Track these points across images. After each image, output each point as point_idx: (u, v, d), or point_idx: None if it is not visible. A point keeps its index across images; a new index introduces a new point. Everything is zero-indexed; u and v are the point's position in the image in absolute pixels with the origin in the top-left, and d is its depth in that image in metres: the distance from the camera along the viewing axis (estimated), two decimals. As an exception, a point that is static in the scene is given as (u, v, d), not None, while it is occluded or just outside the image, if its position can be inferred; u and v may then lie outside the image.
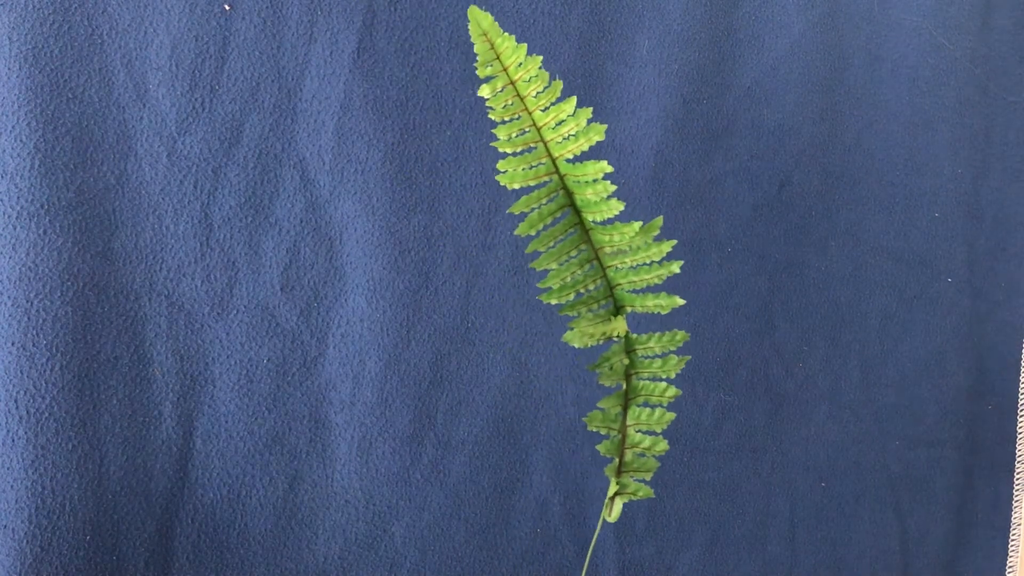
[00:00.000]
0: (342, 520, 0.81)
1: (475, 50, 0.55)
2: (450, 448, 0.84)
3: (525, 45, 0.54)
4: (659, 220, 0.60)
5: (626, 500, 0.65)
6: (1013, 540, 1.09)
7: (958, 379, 1.05)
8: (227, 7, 0.77)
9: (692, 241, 0.93)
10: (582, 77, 0.88)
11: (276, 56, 0.78)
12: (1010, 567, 1.08)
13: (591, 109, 0.56)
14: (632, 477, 0.65)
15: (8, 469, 0.70)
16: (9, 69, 0.70)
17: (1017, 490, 1.09)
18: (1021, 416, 1.09)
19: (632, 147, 0.90)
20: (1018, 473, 1.09)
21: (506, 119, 0.56)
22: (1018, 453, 1.09)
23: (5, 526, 0.69)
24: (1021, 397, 1.09)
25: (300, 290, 0.79)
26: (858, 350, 1.00)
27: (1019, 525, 1.09)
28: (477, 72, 0.55)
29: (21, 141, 0.70)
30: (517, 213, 0.58)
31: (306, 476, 0.79)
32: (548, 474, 0.87)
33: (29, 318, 0.70)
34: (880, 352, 1.01)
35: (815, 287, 0.99)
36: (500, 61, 0.54)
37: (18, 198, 0.70)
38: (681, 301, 0.61)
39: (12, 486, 0.70)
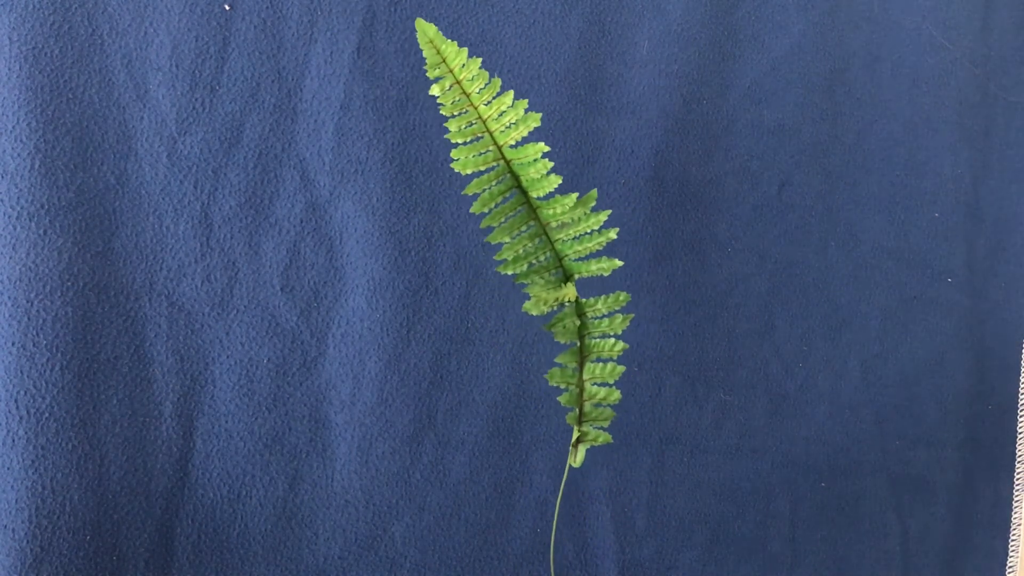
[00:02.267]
0: (342, 520, 0.81)
1: (424, 55, 0.63)
2: (450, 448, 0.84)
3: (466, 49, 0.63)
4: (594, 192, 0.68)
5: (588, 446, 0.74)
6: (1013, 540, 1.09)
7: (958, 379, 1.05)
8: (227, 7, 0.77)
9: (692, 241, 0.93)
10: (582, 77, 0.88)
11: (276, 56, 0.78)
12: (1010, 567, 1.08)
13: (527, 101, 0.65)
14: (592, 425, 0.74)
15: (8, 469, 0.70)
16: (9, 69, 0.70)
17: (1017, 490, 1.09)
18: (1021, 416, 1.09)
19: (632, 147, 0.90)
20: (1018, 473, 1.09)
21: (455, 113, 0.64)
22: (1018, 453, 1.09)
23: (5, 526, 0.70)
24: (1021, 397, 1.09)
25: (300, 290, 0.79)
26: (858, 350, 1.00)
27: (1019, 525, 1.09)
28: (427, 74, 0.63)
29: (21, 141, 0.70)
30: (471, 194, 0.68)
31: (306, 476, 0.80)
32: (548, 474, 0.87)
33: (29, 318, 0.70)
34: (880, 352, 1.01)
35: (815, 287, 0.99)
36: (446, 64, 0.63)
37: (18, 198, 0.70)
38: (619, 263, 0.69)
39: (12, 486, 0.70)
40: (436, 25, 0.83)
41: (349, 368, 0.81)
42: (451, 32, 0.84)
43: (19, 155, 0.70)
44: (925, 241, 1.04)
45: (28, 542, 0.70)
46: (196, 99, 0.76)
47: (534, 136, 0.86)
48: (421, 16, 0.83)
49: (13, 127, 0.70)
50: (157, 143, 0.75)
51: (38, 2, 0.71)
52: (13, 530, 0.70)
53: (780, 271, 0.97)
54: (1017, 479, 1.09)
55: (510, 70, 0.86)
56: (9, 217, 0.70)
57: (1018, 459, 1.09)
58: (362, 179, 0.81)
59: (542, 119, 0.87)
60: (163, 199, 0.75)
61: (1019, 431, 1.09)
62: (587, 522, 0.89)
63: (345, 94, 0.80)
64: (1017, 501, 1.09)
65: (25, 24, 0.71)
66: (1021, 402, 1.09)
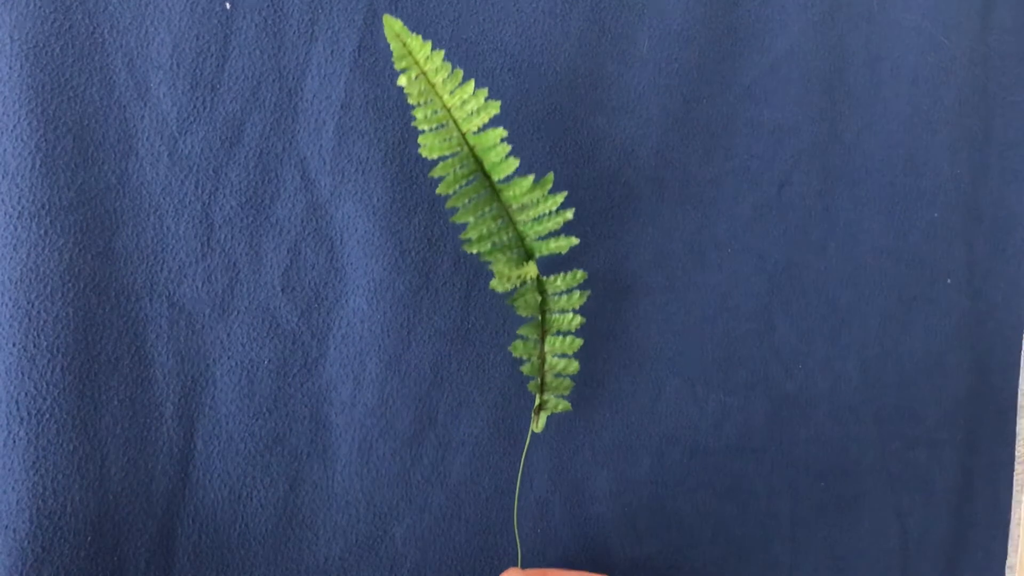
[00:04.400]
0: (343, 521, 0.80)
1: (391, 48, 0.69)
2: (451, 449, 0.84)
3: (430, 42, 0.69)
4: (551, 175, 0.74)
5: (548, 413, 0.82)
6: (1013, 540, 1.09)
7: (958, 379, 1.05)
8: (228, 6, 0.77)
9: (692, 241, 0.93)
10: (582, 77, 0.88)
11: (277, 55, 0.78)
12: (1010, 567, 1.09)
13: (487, 90, 0.71)
14: (553, 394, 0.81)
15: (9, 470, 0.69)
16: (10, 68, 0.70)
17: (1017, 490, 1.09)
18: (1021, 416, 1.10)
19: (632, 147, 0.90)
20: (1018, 473, 1.09)
21: (421, 102, 0.70)
22: (1018, 453, 1.09)
23: (6, 527, 0.69)
24: (1021, 397, 1.09)
25: (301, 291, 0.79)
26: (858, 350, 1.00)
27: (1019, 525, 1.09)
28: (394, 66, 0.69)
29: (22, 141, 0.70)
30: (436, 177, 0.73)
31: (307, 477, 0.79)
32: (548, 474, 0.87)
33: (30, 319, 0.70)
34: (880, 352, 1.02)
35: (815, 287, 0.99)
36: (412, 56, 0.69)
37: (19, 198, 0.70)
38: (575, 241, 0.76)
39: (13, 487, 0.70)
40: (436, 24, 0.83)
41: (350, 369, 0.81)
42: (451, 31, 0.84)
43: (19, 155, 0.70)
44: (924, 241, 1.04)
45: (29, 542, 0.70)
46: (197, 98, 0.76)
47: (533, 132, 0.87)
48: (422, 16, 0.82)
49: (13, 127, 0.70)
50: (158, 142, 0.75)
51: (38, 2, 0.71)
52: (14, 530, 0.69)
53: (780, 271, 0.97)
54: (1017, 479, 1.09)
55: (510, 69, 0.86)
56: (9, 217, 0.70)
57: (1018, 459, 1.09)
58: (363, 179, 0.80)
59: (543, 119, 0.87)
60: (164, 199, 0.75)
61: (1019, 431, 1.09)
62: (587, 522, 0.89)
63: (346, 93, 0.80)
64: (1017, 501, 1.09)
65: (25, 23, 0.70)
66: (1021, 402, 1.09)
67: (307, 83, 0.79)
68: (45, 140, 0.71)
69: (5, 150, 0.70)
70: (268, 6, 0.78)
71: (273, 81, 0.78)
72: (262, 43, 0.78)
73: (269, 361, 0.78)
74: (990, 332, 1.07)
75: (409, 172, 0.82)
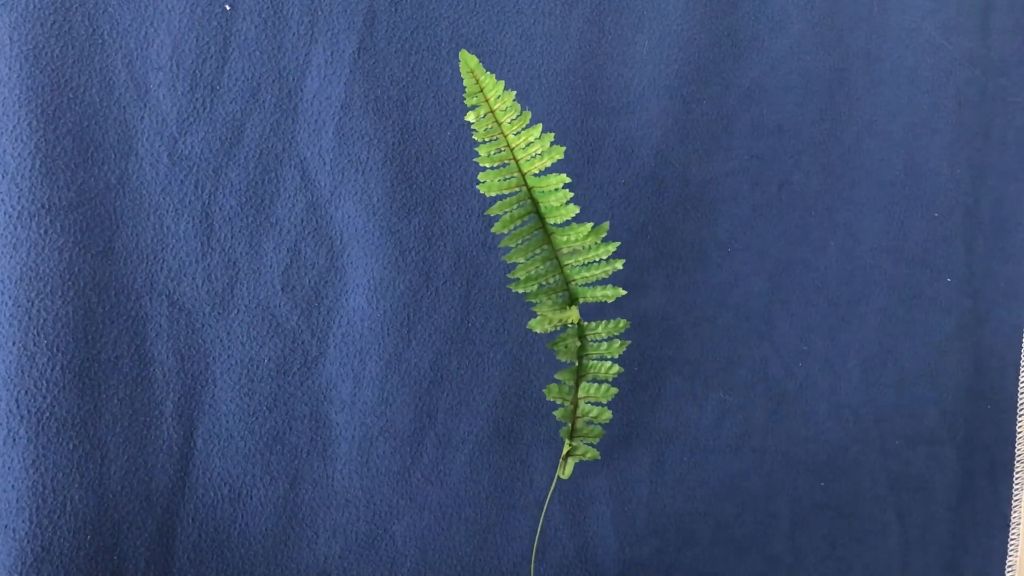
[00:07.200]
0: (342, 519, 0.81)
1: (464, 83, 0.69)
2: (450, 447, 0.84)
3: (503, 81, 0.69)
4: (606, 224, 0.74)
5: (577, 460, 0.80)
6: (1013, 540, 1.09)
7: (958, 379, 1.05)
8: (227, 7, 0.77)
9: (692, 241, 0.93)
10: (582, 77, 0.88)
11: (277, 56, 0.78)
12: (1010, 567, 1.08)
13: (553, 135, 0.71)
14: (582, 441, 0.80)
15: (9, 469, 0.70)
16: (10, 69, 0.70)
17: (1017, 490, 1.09)
18: (1021, 416, 1.09)
19: (632, 147, 0.90)
20: (1018, 473, 1.09)
21: (486, 140, 0.71)
22: (1018, 453, 1.09)
23: (6, 526, 0.70)
24: (1021, 397, 1.09)
25: (301, 290, 0.79)
26: (858, 350, 1.00)
27: (1019, 525, 1.09)
28: (465, 101, 0.69)
29: (22, 141, 0.70)
30: (493, 215, 0.73)
31: (307, 475, 0.80)
32: (548, 474, 0.87)
33: (30, 318, 0.70)
34: (880, 352, 1.01)
35: (815, 287, 0.98)
36: (483, 93, 0.69)
37: (19, 198, 0.70)
38: (623, 292, 0.75)
39: (13, 486, 0.70)
40: (436, 25, 0.83)
41: (350, 368, 0.81)
42: (452, 32, 0.84)
43: (19, 155, 0.70)
44: (924, 241, 1.04)
45: (28, 542, 0.70)
46: (197, 99, 0.76)
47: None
48: (421, 16, 0.83)
49: (13, 127, 0.70)
50: (158, 143, 0.75)
51: (38, 2, 0.71)
52: (14, 530, 0.70)
53: (780, 271, 0.97)
54: (1017, 479, 1.09)
55: (510, 70, 0.86)
56: (9, 217, 0.70)
57: (1018, 459, 1.09)
58: (362, 179, 0.81)
59: (543, 119, 0.87)
60: (164, 199, 0.75)
61: (1019, 431, 1.09)
62: (587, 522, 0.89)
63: (346, 94, 0.80)
64: (1017, 500, 1.09)
65: (25, 24, 0.71)
66: (1021, 402, 1.09)
67: (307, 84, 0.79)
68: (45, 140, 0.71)
69: (5, 150, 0.70)
70: (268, 7, 0.78)
71: (273, 82, 0.78)
72: (262, 44, 0.78)
73: (269, 359, 0.79)
74: (990, 332, 1.07)
75: (408, 172, 0.82)
